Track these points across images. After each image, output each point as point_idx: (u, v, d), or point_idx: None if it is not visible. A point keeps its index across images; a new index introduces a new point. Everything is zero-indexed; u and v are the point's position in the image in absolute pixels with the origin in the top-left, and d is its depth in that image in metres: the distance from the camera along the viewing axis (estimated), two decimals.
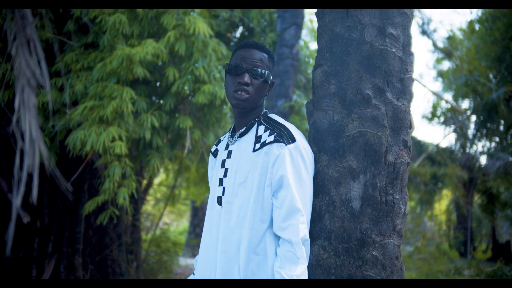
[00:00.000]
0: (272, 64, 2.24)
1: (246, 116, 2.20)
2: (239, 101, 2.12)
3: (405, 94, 2.16)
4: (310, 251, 2.08)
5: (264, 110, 2.24)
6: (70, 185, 5.54)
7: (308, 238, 1.99)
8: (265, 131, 2.10)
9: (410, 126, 2.19)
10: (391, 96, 2.11)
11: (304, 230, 1.95)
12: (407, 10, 2.19)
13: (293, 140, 2.02)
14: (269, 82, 2.19)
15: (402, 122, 2.13)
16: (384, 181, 2.08)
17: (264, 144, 2.05)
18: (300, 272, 1.91)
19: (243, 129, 2.20)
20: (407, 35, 2.19)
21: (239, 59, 2.16)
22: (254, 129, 2.16)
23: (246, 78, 2.10)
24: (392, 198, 2.09)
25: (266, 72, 2.15)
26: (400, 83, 2.15)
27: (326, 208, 2.09)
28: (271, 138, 2.05)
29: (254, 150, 2.08)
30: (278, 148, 2.01)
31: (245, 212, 2.06)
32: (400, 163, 2.12)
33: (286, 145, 2.00)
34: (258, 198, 2.04)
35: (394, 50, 2.13)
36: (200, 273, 2.20)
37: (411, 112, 2.22)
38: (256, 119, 2.19)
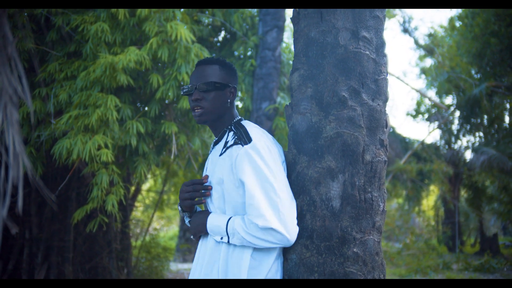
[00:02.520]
0: (228, 71, 2.30)
1: (217, 127, 2.30)
2: (197, 117, 2.24)
3: (380, 94, 2.23)
4: (293, 250, 2.14)
5: (238, 118, 2.31)
6: (55, 196, 5.55)
7: (260, 236, 2.01)
8: (233, 137, 2.16)
9: (386, 126, 2.25)
10: (367, 97, 2.18)
11: (263, 224, 1.98)
12: (379, 13, 2.26)
13: (249, 140, 2.09)
14: (226, 89, 2.26)
15: (378, 122, 2.20)
16: (363, 180, 2.15)
17: (226, 148, 2.14)
18: (235, 238, 2.05)
19: (217, 138, 2.30)
20: (380, 37, 2.26)
21: (191, 79, 2.30)
22: (225, 136, 2.23)
23: (196, 95, 2.22)
24: (371, 196, 2.16)
25: (214, 81, 2.22)
26: (375, 84, 2.21)
27: (307, 208, 2.15)
28: (232, 141, 2.13)
29: (220, 155, 2.17)
30: (236, 150, 2.08)
31: None
32: (378, 161, 2.18)
33: (242, 146, 2.07)
34: (227, 198, 2.13)
35: (367, 52, 2.20)
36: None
37: (387, 112, 2.29)
38: (229, 126, 2.26)
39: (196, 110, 2.23)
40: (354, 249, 2.10)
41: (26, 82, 1.00)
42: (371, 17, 2.24)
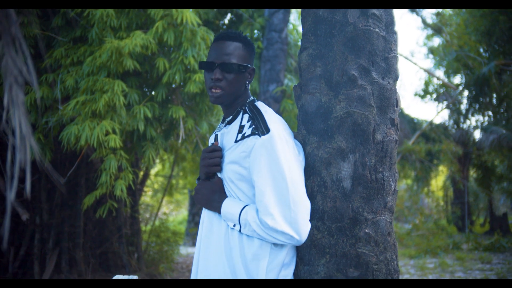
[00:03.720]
0: (249, 50, 2.20)
1: (231, 107, 2.21)
2: (214, 98, 2.13)
3: (390, 73, 2.19)
4: None
5: (251, 98, 2.24)
6: (64, 179, 5.57)
7: (271, 234, 1.96)
8: (248, 120, 2.09)
9: (397, 104, 2.22)
10: (377, 75, 2.15)
11: (273, 229, 1.94)
12: None
13: (267, 130, 2.00)
14: (247, 70, 2.17)
15: (388, 101, 2.16)
16: (374, 160, 2.12)
17: (244, 137, 2.06)
18: (247, 228, 1.99)
19: (230, 117, 2.20)
20: (389, 14, 2.22)
21: (212, 53, 2.15)
22: (239, 117, 2.16)
23: (218, 74, 2.09)
24: (382, 176, 2.13)
25: (238, 64, 2.12)
26: (385, 62, 2.18)
27: (318, 189, 2.12)
28: (249, 130, 2.05)
29: (236, 141, 2.09)
30: (253, 140, 2.01)
31: None
32: (388, 141, 2.15)
33: (260, 136, 1.99)
34: (232, 188, 2.09)
35: (377, 30, 2.16)
36: None
37: (397, 90, 2.26)
38: (243, 107, 2.18)
39: (214, 91, 2.12)
40: (366, 230, 2.08)
41: (32, 62, 0.98)
42: None
